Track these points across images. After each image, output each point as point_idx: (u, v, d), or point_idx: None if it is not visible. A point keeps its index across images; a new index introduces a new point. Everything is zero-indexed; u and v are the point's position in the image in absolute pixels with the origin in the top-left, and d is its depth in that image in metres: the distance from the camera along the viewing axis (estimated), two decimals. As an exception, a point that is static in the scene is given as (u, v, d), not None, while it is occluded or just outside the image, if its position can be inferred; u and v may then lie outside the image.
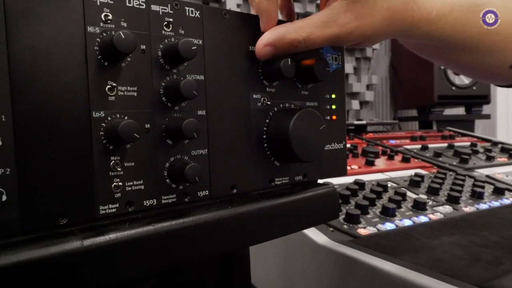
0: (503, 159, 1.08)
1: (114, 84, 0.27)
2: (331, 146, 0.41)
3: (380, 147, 1.08)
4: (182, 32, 0.30)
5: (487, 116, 1.66)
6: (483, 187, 0.79)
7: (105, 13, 0.26)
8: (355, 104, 1.69)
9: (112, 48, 0.25)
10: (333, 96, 0.41)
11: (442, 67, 1.56)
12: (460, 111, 1.71)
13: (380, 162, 0.96)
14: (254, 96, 0.35)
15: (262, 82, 0.35)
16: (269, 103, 0.36)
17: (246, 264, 0.46)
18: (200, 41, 0.31)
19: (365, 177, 0.82)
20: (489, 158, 1.05)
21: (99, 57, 0.26)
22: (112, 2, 0.27)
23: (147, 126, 0.29)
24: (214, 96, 0.32)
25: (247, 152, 0.34)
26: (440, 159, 1.02)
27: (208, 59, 0.32)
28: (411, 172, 0.89)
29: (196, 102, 0.31)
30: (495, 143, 1.24)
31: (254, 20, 0.35)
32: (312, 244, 0.55)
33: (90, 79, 0.26)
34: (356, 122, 1.25)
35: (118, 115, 0.27)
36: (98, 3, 0.26)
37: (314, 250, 0.54)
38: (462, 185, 0.80)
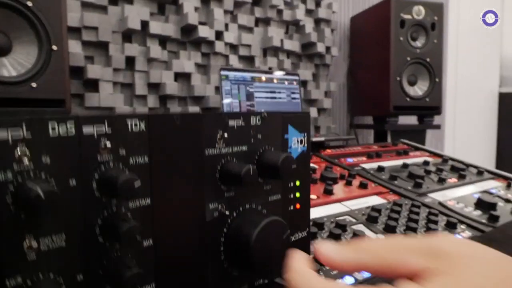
0: (453, 179, 1.12)
1: (33, 241, 0.22)
2: (294, 237, 0.38)
3: (339, 169, 1.08)
4: (123, 152, 0.25)
5: (438, 126, 1.72)
6: (436, 222, 0.81)
7: (19, 152, 0.21)
8: (313, 112, 1.68)
9: (29, 205, 0.20)
10: (297, 183, 0.38)
11: (398, 78, 1.59)
12: (412, 119, 1.76)
13: (339, 190, 0.95)
14: (211, 206, 0.30)
15: (220, 187, 0.31)
16: (227, 213, 0.31)
17: None
18: (146, 158, 0.26)
19: (324, 210, 0.81)
20: (441, 181, 1.08)
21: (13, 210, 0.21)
22: (30, 137, 0.21)
23: (80, 277, 0.24)
24: (162, 222, 0.27)
25: (202, 271, 0.30)
26: (396, 182, 1.03)
27: (156, 178, 0.27)
28: (369, 200, 0.90)
29: (141, 232, 0.26)
30: (445, 160, 1.29)
31: (210, 120, 0.30)
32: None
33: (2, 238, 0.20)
34: (314, 139, 1.23)
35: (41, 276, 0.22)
36: (11, 142, 0.21)
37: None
38: (417, 220, 0.81)
